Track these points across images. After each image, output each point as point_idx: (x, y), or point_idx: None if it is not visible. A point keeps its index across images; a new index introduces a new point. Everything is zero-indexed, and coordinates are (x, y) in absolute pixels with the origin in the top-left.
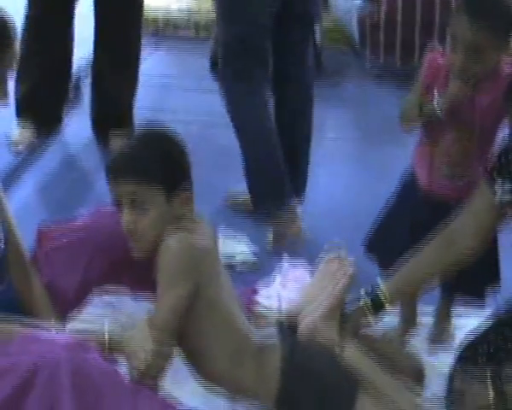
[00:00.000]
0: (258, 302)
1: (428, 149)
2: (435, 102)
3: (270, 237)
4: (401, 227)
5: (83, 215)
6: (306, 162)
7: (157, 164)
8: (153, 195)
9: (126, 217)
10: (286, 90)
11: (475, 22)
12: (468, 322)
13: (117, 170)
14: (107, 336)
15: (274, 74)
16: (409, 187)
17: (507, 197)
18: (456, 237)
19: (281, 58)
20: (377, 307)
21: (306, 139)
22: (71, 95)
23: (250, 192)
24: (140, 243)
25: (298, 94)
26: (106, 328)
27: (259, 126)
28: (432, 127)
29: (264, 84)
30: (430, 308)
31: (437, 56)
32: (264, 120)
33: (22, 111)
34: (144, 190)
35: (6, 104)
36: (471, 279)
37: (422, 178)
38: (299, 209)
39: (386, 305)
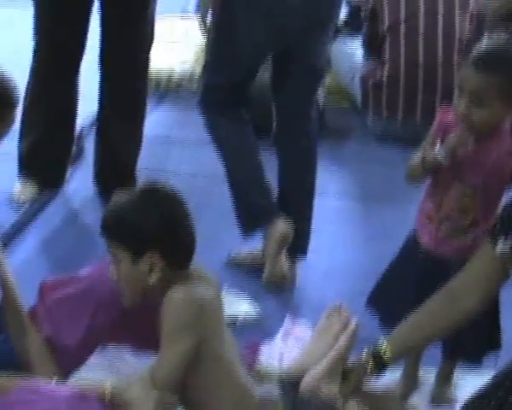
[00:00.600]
0: (260, 359)
1: (430, 207)
2: (436, 150)
3: (265, 271)
4: (403, 285)
5: (86, 270)
6: (309, 220)
7: (124, 226)
8: (120, 253)
9: (111, 266)
10: (289, 143)
11: (481, 71)
12: (470, 383)
13: (100, 222)
14: (108, 388)
15: (277, 127)
16: (411, 245)
17: (507, 251)
18: (457, 296)
19: (285, 103)
20: (379, 365)
21: (310, 195)
22: (74, 150)
23: (236, 216)
24: (123, 292)
25: (301, 146)
26: (108, 380)
27: (239, 144)
28: (434, 183)
29: (244, 116)
30: (432, 366)
31: (448, 114)
32: (243, 137)
33: (24, 168)
34: (114, 247)
35: None
36: (470, 344)
37: (424, 236)
38: (297, 268)
39: (388, 364)
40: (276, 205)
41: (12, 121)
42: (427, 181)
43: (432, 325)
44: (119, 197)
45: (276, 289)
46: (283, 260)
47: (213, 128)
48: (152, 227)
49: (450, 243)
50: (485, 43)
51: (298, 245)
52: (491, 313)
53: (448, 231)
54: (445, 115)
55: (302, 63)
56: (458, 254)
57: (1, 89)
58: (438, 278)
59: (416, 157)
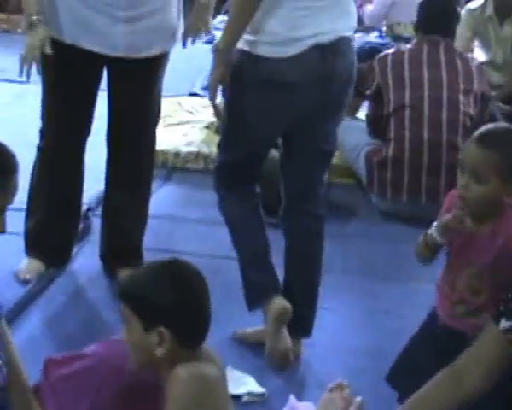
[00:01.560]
0: None
1: (444, 286)
2: (433, 228)
3: (266, 346)
4: (422, 361)
5: (91, 347)
6: (315, 302)
7: (139, 298)
8: (132, 318)
9: (123, 328)
10: (296, 224)
11: (481, 148)
12: None
13: (118, 287)
14: None
15: (285, 206)
16: (431, 320)
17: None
18: (462, 376)
19: (295, 187)
20: None
21: (316, 274)
22: (81, 228)
23: (243, 286)
24: (130, 355)
25: (308, 227)
26: None
27: (247, 220)
28: (448, 263)
29: (254, 192)
30: None
31: (457, 194)
32: (250, 214)
33: (30, 247)
34: (127, 312)
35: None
36: None
37: (441, 312)
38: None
39: None
40: (276, 283)
41: (14, 188)
42: (444, 261)
43: (435, 404)
44: (141, 267)
45: (279, 366)
46: (285, 337)
47: (224, 204)
48: (166, 305)
49: (465, 321)
50: (488, 123)
51: (302, 326)
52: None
53: (462, 312)
54: (453, 195)
55: (312, 146)
56: (474, 331)
57: None
58: (455, 353)
59: (422, 235)
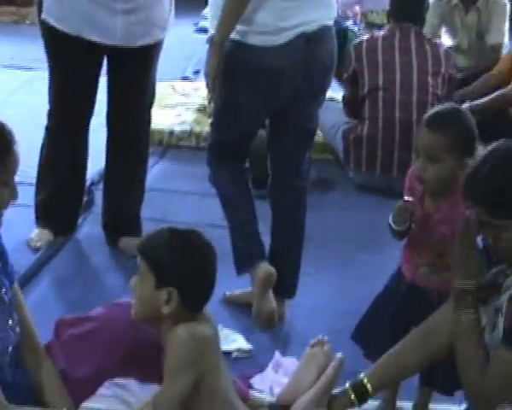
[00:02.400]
0: (252, 389)
1: (410, 250)
2: (390, 220)
3: (253, 307)
4: (386, 318)
5: (97, 309)
6: (298, 264)
7: (157, 259)
8: (147, 273)
9: (133, 277)
10: (282, 196)
11: (432, 132)
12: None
13: (139, 243)
14: None
15: (272, 181)
16: (396, 279)
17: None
18: (431, 334)
19: (280, 163)
20: (361, 397)
21: (299, 241)
22: (85, 200)
23: (233, 252)
24: (135, 305)
25: (293, 199)
26: (113, 408)
27: (236, 192)
28: (411, 233)
29: (244, 168)
30: (409, 401)
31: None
32: (240, 187)
33: (40, 217)
34: (143, 266)
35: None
36: (445, 377)
37: (407, 273)
38: (285, 306)
39: (369, 395)
40: (262, 250)
41: (16, 161)
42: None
43: (407, 360)
44: (163, 231)
45: (265, 325)
46: (270, 300)
47: (215, 178)
48: (180, 271)
49: (428, 280)
50: (435, 107)
51: (286, 289)
52: None
53: (426, 273)
54: (412, 178)
55: (296, 126)
56: (437, 287)
57: None
58: (419, 307)
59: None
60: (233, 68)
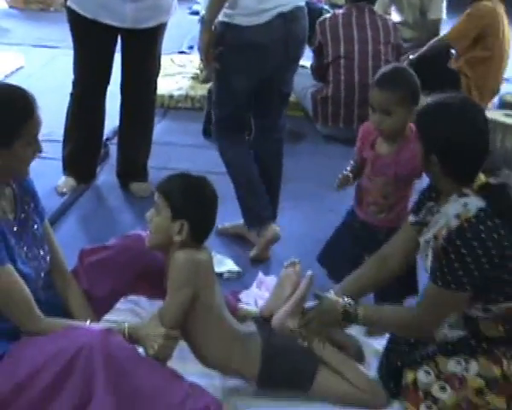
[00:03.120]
0: (240, 303)
1: (361, 191)
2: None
3: (253, 251)
4: (345, 246)
5: (113, 240)
6: (278, 197)
7: (176, 197)
8: (164, 207)
9: (148, 212)
10: (265, 146)
11: (384, 90)
12: None
13: (161, 182)
14: (126, 326)
15: (255, 131)
16: (350, 216)
17: (414, 222)
18: (387, 259)
19: (263, 120)
20: None
21: (278, 180)
22: (102, 153)
23: (243, 214)
24: (150, 235)
25: (273, 148)
26: (126, 321)
27: (243, 164)
28: (363, 176)
29: (245, 139)
30: None
31: (369, 125)
32: (246, 159)
33: (66, 168)
34: (161, 201)
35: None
36: (396, 290)
37: (359, 212)
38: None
39: None
40: (269, 211)
41: (38, 121)
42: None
43: (367, 280)
44: (182, 175)
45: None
46: (268, 250)
47: (223, 149)
48: (192, 209)
49: (377, 218)
50: (383, 69)
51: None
52: (410, 270)
53: (376, 211)
54: (366, 126)
55: (277, 91)
56: (384, 224)
57: (13, 102)
58: (369, 241)
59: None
60: (223, 46)
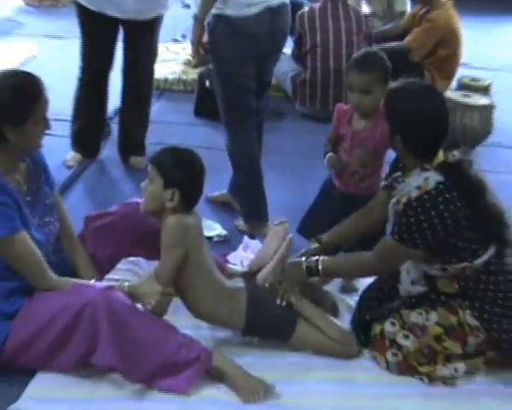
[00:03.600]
0: (228, 263)
1: (341, 167)
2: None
3: (239, 223)
4: (324, 215)
5: (114, 207)
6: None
7: (168, 167)
8: (156, 176)
9: (143, 182)
10: None
11: (361, 71)
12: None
13: (153, 155)
14: (126, 285)
15: None
16: (328, 187)
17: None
18: (369, 212)
19: None
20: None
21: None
22: (105, 131)
23: (241, 206)
24: (145, 202)
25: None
26: (126, 280)
27: (249, 156)
28: (342, 148)
29: (252, 132)
30: None
31: (342, 105)
32: (252, 151)
33: (73, 144)
34: (154, 171)
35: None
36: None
37: (338, 185)
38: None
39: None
40: (267, 212)
41: (46, 102)
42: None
43: (353, 229)
44: (172, 148)
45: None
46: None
47: (231, 139)
48: (183, 177)
49: (356, 186)
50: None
51: None
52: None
53: (356, 180)
54: (340, 106)
55: (262, 76)
56: (361, 192)
57: (24, 86)
58: (348, 208)
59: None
60: (218, 36)
